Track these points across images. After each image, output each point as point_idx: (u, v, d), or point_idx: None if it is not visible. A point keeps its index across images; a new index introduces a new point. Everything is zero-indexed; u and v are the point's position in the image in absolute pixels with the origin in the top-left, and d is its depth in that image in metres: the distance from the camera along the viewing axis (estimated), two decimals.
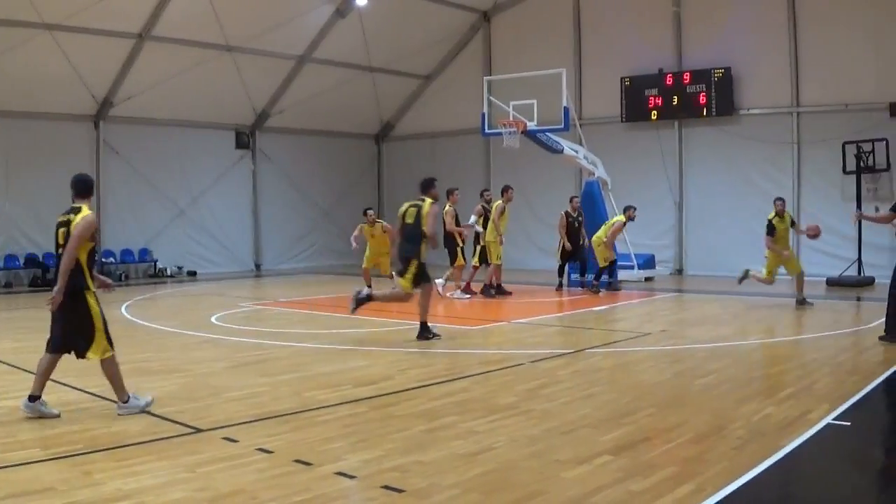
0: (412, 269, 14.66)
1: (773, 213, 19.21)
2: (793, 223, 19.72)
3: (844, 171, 24.46)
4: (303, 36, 30.01)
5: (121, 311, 19.84)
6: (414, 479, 7.05)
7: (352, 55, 31.51)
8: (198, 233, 30.76)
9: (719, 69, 26.87)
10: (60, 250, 9.48)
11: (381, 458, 7.66)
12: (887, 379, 11.13)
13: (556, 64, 24.52)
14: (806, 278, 19.60)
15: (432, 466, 7.40)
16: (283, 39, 29.25)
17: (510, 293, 22.00)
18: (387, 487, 6.82)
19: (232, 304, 20.73)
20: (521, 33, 31.73)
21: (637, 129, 29.10)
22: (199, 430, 8.66)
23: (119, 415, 9.39)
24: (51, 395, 10.33)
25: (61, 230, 9.56)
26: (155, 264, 29.96)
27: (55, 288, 9.24)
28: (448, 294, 21.70)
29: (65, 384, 10.97)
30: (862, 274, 23.97)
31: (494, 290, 22.00)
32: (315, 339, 14.88)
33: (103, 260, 28.47)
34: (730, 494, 6.58)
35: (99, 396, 10.20)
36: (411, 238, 14.74)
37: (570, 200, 23.47)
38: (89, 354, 9.51)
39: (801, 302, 19.05)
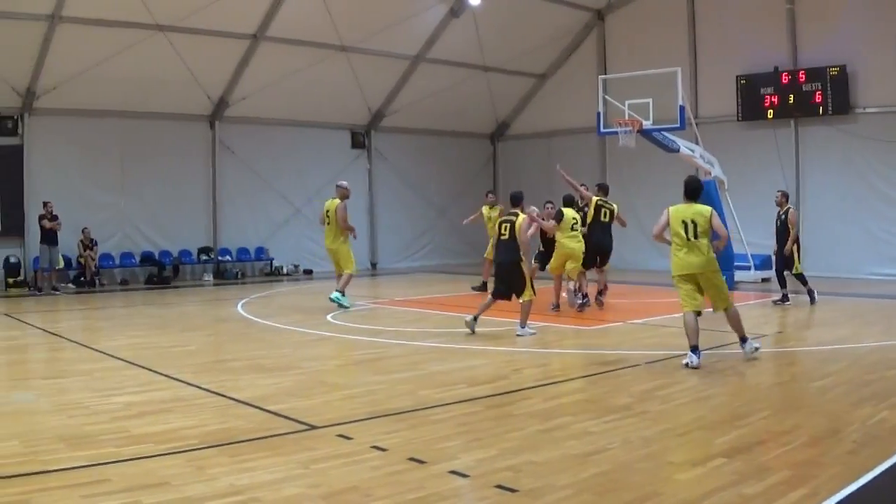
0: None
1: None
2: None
3: None
4: (417, 36, 30.07)
5: (237, 308, 20.07)
6: (527, 478, 6.96)
7: (466, 55, 31.49)
8: (314, 231, 30.85)
9: (834, 67, 26.18)
10: (502, 237, 15.22)
11: (495, 457, 7.56)
12: None
13: (670, 62, 24.15)
14: None
15: (546, 466, 7.30)
16: (397, 39, 29.36)
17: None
18: (500, 487, 6.73)
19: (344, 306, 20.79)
20: (635, 31, 31.36)
21: (753, 128, 28.53)
22: (313, 427, 8.64)
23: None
24: (165, 391, 10.49)
25: (504, 225, 15.22)
26: (271, 263, 30.29)
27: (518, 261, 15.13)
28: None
29: (180, 380, 11.09)
30: None
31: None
32: (430, 338, 14.84)
33: (219, 258, 28.86)
34: (843, 499, 6.41)
35: (213, 392, 10.28)
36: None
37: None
38: (522, 298, 14.98)
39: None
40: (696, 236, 12.18)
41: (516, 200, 15.72)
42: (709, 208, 12.46)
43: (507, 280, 15.20)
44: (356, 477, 6.99)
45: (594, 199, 19.31)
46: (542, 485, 6.79)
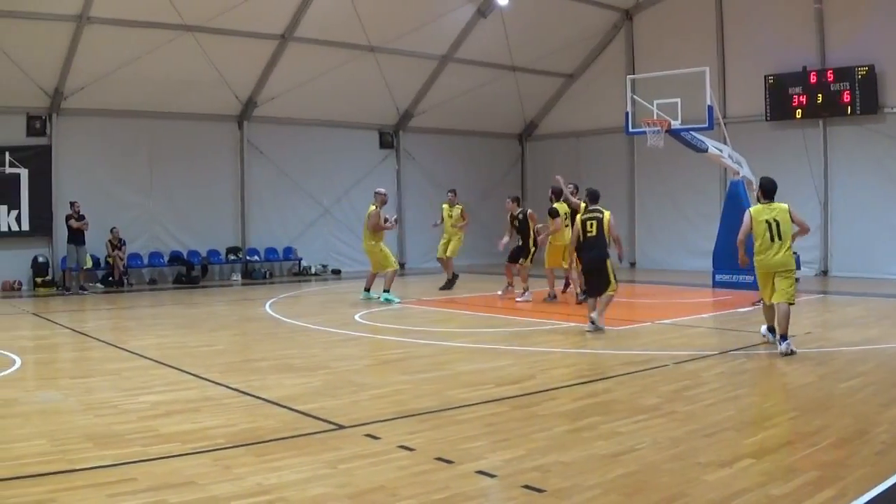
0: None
1: None
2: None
3: None
4: (445, 36, 30.03)
5: (265, 308, 20.10)
6: (555, 479, 6.93)
7: (494, 55, 31.42)
8: (342, 232, 30.96)
9: (863, 67, 25.93)
10: (588, 234, 15.63)
11: (522, 457, 7.53)
12: None
13: (699, 62, 23.94)
14: None
15: (573, 467, 7.26)
16: (425, 40, 29.34)
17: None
18: (527, 487, 6.70)
19: (375, 302, 20.79)
20: (663, 31, 31.20)
21: (781, 128, 28.31)
22: (340, 427, 8.63)
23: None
24: (193, 390, 10.51)
25: (590, 222, 15.67)
26: (299, 263, 30.33)
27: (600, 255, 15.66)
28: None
29: (207, 380, 11.11)
30: None
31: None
32: (457, 338, 14.81)
33: (247, 258, 28.95)
34: (871, 500, 6.37)
35: (241, 392, 10.29)
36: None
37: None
38: (608, 292, 15.49)
39: None
40: (779, 236, 12.83)
41: (595, 198, 16.14)
42: (787, 205, 13.09)
43: (596, 276, 15.71)
44: (383, 477, 6.97)
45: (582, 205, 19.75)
46: (570, 485, 6.76)
